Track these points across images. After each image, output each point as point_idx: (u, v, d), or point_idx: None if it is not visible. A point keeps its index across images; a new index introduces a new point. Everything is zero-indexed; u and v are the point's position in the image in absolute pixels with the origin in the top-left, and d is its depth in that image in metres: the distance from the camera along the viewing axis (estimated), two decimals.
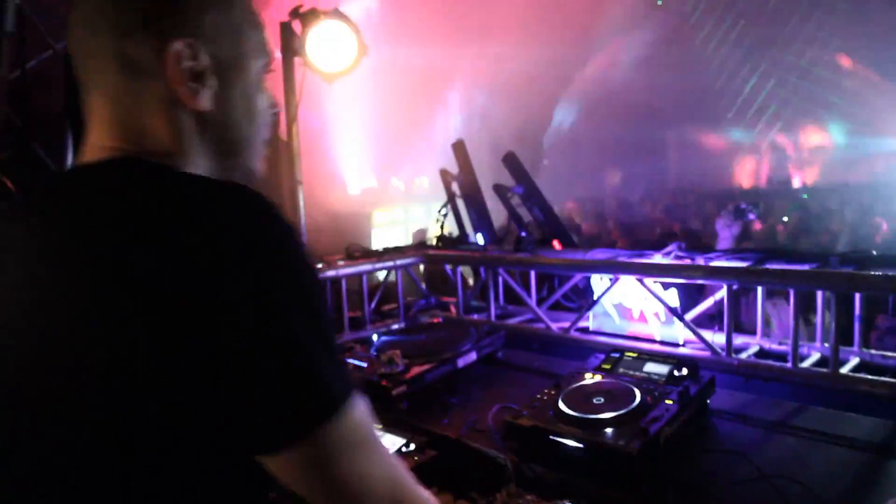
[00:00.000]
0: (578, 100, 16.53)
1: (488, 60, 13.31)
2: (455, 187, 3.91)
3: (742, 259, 2.47)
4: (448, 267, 3.34)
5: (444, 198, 3.89)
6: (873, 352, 2.27)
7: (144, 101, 0.83)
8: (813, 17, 15.94)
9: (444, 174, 3.93)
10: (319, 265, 2.90)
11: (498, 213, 4.22)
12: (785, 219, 4.61)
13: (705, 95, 19.62)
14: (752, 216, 4.52)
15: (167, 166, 0.82)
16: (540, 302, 3.06)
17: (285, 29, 3.27)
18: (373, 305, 3.14)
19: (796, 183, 21.69)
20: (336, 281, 2.91)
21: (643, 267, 2.49)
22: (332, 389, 0.70)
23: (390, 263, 3.12)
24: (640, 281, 2.49)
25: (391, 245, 3.45)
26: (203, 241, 0.69)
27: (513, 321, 3.11)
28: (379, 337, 2.58)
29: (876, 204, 9.65)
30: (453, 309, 3.31)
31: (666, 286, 2.49)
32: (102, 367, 0.68)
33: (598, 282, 2.72)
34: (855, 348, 2.26)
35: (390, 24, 11.61)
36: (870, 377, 2.06)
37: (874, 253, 2.25)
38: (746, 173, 24.67)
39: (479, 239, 3.81)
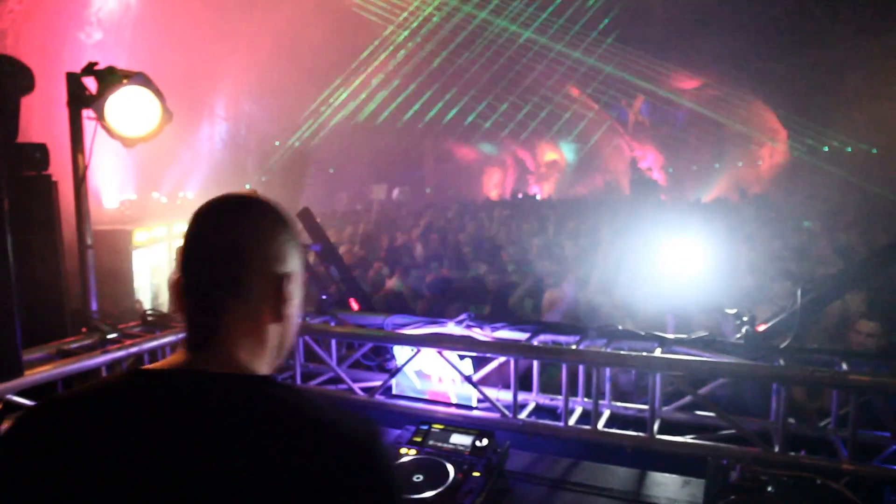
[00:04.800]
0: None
1: (255, 69, 13.06)
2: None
3: (521, 330, 2.94)
4: None
5: None
6: (617, 403, 2.86)
7: (258, 319, 1.09)
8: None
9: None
10: (121, 342, 2.82)
11: None
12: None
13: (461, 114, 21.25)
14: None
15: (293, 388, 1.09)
16: (340, 361, 3.27)
17: (72, 80, 3.08)
18: None
19: (534, 191, 24.44)
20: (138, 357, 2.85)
21: (442, 339, 2.84)
22: None
23: None
24: (440, 353, 2.83)
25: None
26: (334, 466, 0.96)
27: (315, 382, 3.29)
28: None
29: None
30: None
31: (462, 356, 2.85)
32: None
33: (400, 349, 3.01)
34: (606, 401, 2.83)
35: (152, 24, 10.82)
36: (619, 431, 2.61)
37: (620, 328, 2.84)
38: (494, 184, 27.14)
39: None
